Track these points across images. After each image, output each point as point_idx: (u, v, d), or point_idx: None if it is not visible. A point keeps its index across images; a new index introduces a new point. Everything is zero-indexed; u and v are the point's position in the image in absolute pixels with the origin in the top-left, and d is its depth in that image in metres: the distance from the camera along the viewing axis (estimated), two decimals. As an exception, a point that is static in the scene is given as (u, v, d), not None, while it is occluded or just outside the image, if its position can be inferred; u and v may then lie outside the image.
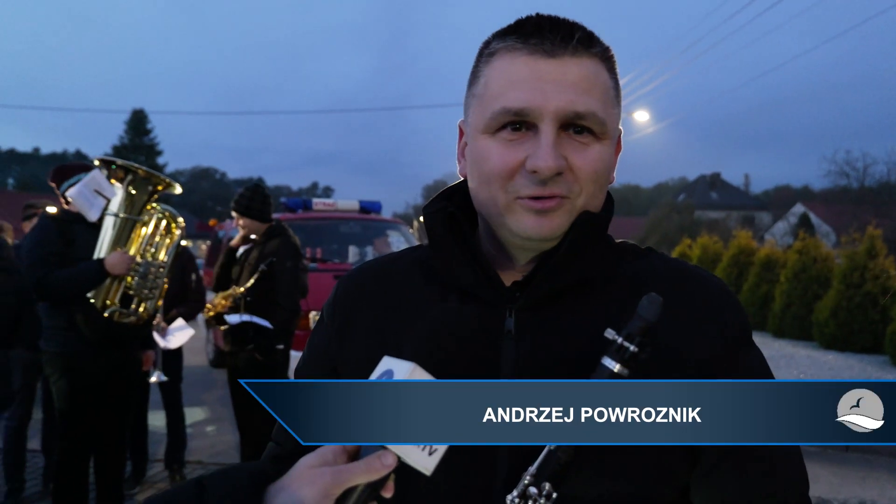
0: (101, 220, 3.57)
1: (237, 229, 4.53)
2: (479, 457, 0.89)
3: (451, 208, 0.95)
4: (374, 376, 0.79)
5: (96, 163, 3.69)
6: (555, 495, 0.81)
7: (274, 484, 0.75)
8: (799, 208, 43.08)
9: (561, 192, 0.88)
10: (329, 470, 0.73)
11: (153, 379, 4.71)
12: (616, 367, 0.80)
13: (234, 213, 4.45)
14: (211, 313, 4.49)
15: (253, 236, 4.50)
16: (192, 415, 6.70)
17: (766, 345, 11.59)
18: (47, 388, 4.65)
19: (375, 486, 0.75)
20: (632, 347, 0.80)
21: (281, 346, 4.35)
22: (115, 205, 3.55)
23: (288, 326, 4.36)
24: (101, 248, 3.52)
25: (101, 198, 3.52)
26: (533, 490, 0.81)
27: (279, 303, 4.26)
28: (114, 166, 3.60)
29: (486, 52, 0.93)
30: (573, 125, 0.88)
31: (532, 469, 0.81)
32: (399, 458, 0.75)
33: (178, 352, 5.02)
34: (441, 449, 0.76)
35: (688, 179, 69.87)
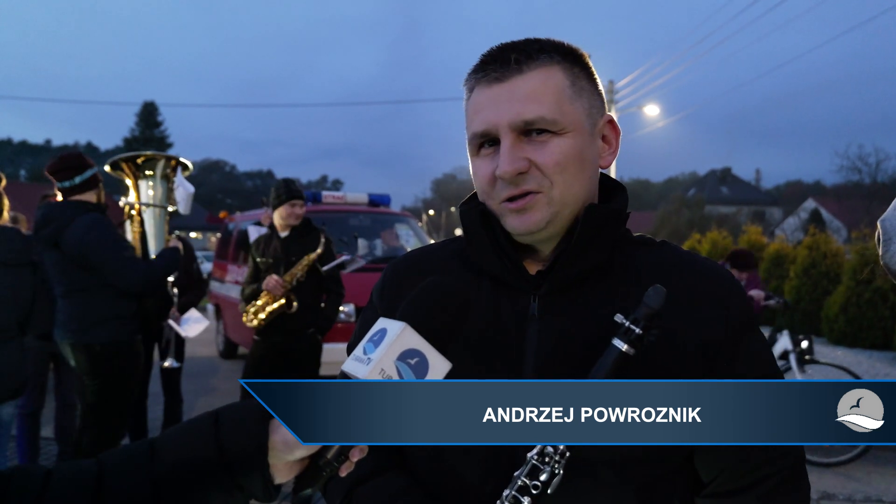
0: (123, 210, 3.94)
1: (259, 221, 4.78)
2: None
3: (482, 207, 1.07)
4: (369, 334, 0.88)
5: (100, 166, 3.99)
6: (568, 454, 0.92)
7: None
8: (810, 204, 42.78)
9: (530, 187, 1.00)
10: None
11: (166, 364, 4.78)
12: (624, 347, 0.92)
13: (295, 202, 4.68)
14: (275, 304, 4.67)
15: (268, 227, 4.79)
16: (199, 403, 6.76)
17: (775, 341, 11.54)
18: (59, 376, 4.71)
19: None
20: (637, 330, 0.92)
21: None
22: (151, 196, 3.96)
23: (338, 308, 4.92)
24: (151, 239, 3.91)
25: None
26: (549, 449, 0.92)
27: (331, 289, 4.77)
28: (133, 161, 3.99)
29: (465, 92, 1.08)
30: (530, 130, 1.00)
31: None
32: None
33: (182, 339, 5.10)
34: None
35: (698, 174, 69.46)
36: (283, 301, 4.55)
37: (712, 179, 58.18)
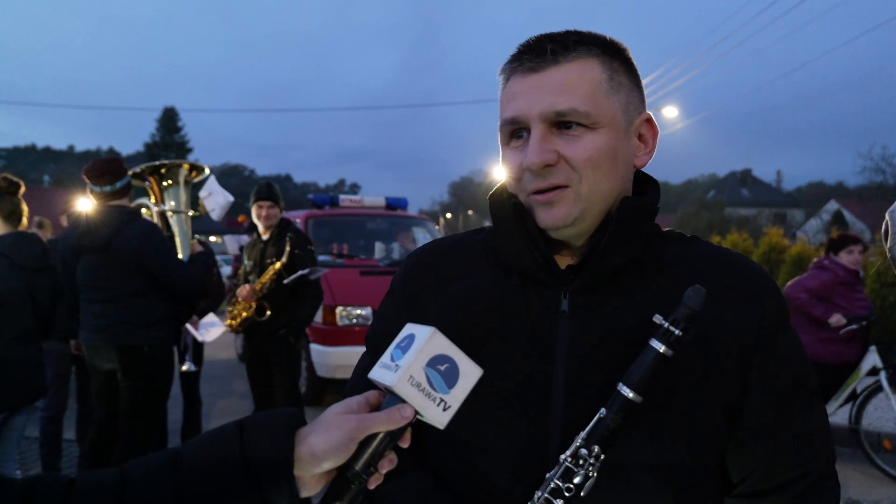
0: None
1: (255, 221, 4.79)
2: (534, 426, 0.98)
3: (514, 199, 1.03)
4: (396, 341, 0.85)
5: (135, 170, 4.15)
6: (602, 457, 0.90)
7: (305, 427, 0.84)
8: (832, 205, 42.21)
9: (558, 181, 0.97)
10: (354, 417, 0.82)
11: (184, 368, 4.81)
12: (662, 349, 0.89)
13: (262, 203, 4.66)
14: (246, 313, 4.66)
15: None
16: (218, 406, 6.80)
17: (797, 344, 11.33)
18: (81, 379, 4.76)
19: (394, 436, 0.82)
20: (677, 331, 0.89)
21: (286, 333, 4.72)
22: (177, 202, 4.11)
23: (315, 311, 4.83)
24: (180, 244, 4.06)
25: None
26: (584, 451, 0.90)
27: (308, 292, 4.69)
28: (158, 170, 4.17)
29: (500, 81, 1.06)
30: (562, 122, 0.97)
31: (583, 434, 0.91)
32: (416, 412, 0.81)
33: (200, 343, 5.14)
34: (455, 406, 0.81)
35: (718, 176, 68.76)
36: (251, 311, 4.60)
37: (732, 181, 57.62)
